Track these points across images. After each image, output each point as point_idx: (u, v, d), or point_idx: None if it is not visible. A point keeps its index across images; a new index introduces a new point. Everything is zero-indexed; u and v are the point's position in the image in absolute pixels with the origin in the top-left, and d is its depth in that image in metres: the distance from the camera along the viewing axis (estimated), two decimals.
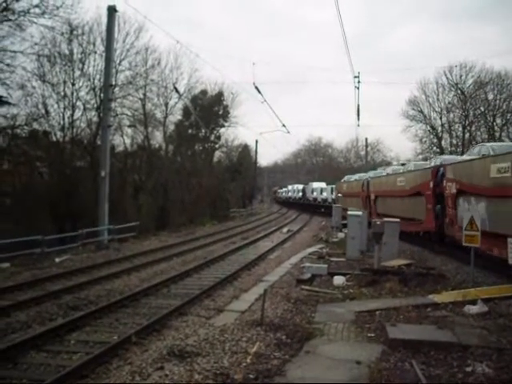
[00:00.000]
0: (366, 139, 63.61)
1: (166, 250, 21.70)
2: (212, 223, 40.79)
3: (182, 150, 47.63)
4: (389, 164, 55.41)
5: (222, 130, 56.35)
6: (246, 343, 7.90)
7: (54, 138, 32.36)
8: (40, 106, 31.04)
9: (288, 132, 34.03)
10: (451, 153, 48.18)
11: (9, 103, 27.25)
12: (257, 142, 68.17)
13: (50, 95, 31.75)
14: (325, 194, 56.66)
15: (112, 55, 25.78)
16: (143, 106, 39.78)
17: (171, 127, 45.98)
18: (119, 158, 37.02)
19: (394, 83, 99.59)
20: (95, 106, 33.32)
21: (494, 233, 12.92)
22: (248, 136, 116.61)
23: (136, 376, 6.69)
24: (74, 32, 31.43)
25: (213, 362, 7.03)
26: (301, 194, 71.42)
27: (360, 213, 19.23)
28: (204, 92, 51.34)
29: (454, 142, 55.02)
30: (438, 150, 54.14)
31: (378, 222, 15.39)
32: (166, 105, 43.60)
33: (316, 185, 62.98)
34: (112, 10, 23.73)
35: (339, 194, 41.27)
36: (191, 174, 45.12)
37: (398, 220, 17.33)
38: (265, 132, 79.45)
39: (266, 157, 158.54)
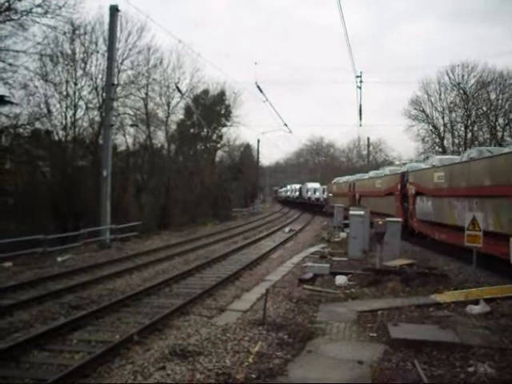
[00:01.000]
0: (368, 139, 63.69)
1: (167, 249, 21.73)
2: (214, 223, 40.77)
3: (184, 150, 47.61)
4: (391, 163, 55.51)
5: (224, 129, 56.32)
6: (248, 343, 7.91)
7: (57, 138, 32.35)
8: (42, 106, 30.97)
9: (290, 131, 34.22)
10: (453, 152, 48.13)
11: (11, 102, 27.24)
12: (259, 141, 68.27)
13: (52, 95, 31.72)
14: (317, 193, 59.78)
15: (114, 55, 25.80)
16: (145, 105, 39.72)
17: (173, 126, 45.93)
18: (121, 157, 36.97)
19: (396, 83, 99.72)
20: (97, 105, 33.26)
21: (438, 222, 18.03)
22: (250, 135, 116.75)
23: (138, 375, 6.71)
24: (77, 31, 31.33)
25: (215, 361, 7.04)
26: (298, 193, 73.83)
27: (362, 212, 19.22)
28: (206, 91, 51.29)
29: (457, 141, 54.99)
30: (440, 149, 54.08)
31: (380, 222, 15.37)
32: (168, 104, 43.56)
33: (310, 185, 65.88)
34: (114, 10, 23.77)
35: (330, 194, 47.23)
36: (193, 173, 45.11)
37: (399, 220, 17.60)
38: (267, 131, 79.69)
39: (268, 156, 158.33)
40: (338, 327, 8.77)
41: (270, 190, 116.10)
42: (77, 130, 33.15)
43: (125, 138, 39.28)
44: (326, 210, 44.69)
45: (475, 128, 53.69)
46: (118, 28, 28.89)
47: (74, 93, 32.43)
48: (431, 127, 56.15)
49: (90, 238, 21.94)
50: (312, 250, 20.63)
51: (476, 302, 9.83)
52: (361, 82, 27.83)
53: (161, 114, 43.26)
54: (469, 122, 53.11)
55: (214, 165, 53.77)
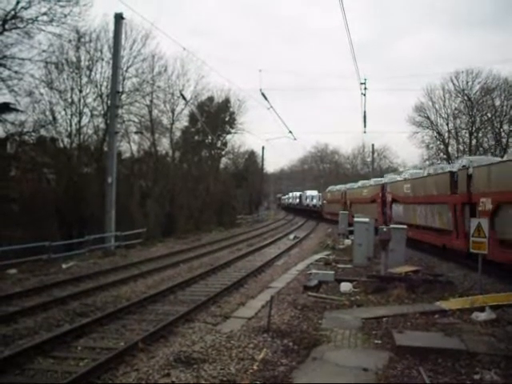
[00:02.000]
0: (373, 145, 63.72)
1: (172, 256, 21.72)
2: (218, 230, 40.81)
3: (189, 157, 47.66)
4: (395, 170, 55.49)
5: (229, 136, 56.47)
6: (252, 350, 7.89)
7: (62, 145, 32.46)
8: (47, 113, 31.15)
9: (295, 138, 34.23)
10: (458, 159, 47.99)
11: (17, 110, 27.43)
12: (263, 148, 68.44)
13: (57, 102, 31.89)
14: (315, 200, 63.30)
15: (119, 62, 25.96)
16: (150, 112, 39.88)
17: (178, 134, 46.02)
18: (126, 164, 37.09)
19: (400, 90, 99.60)
20: (102, 112, 33.44)
21: (408, 223, 21.03)
22: (255, 143, 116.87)
23: (142, 382, 6.70)
24: (82, 39, 31.64)
25: (219, 368, 7.02)
26: (298, 200, 76.77)
27: (367, 220, 19.21)
28: (211, 99, 51.40)
29: (461, 148, 54.82)
30: (444, 156, 54.01)
31: (385, 229, 15.36)
32: (173, 111, 43.70)
33: (309, 193, 69.46)
34: (119, 18, 23.93)
35: (324, 201, 53.24)
36: (198, 180, 45.18)
37: (404, 226, 17.66)
38: (272, 139, 79.75)
39: (273, 163, 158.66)
40: (342, 334, 8.74)
41: (274, 197, 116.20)
42: (82, 137, 33.34)
43: (129, 145, 39.48)
44: (322, 215, 52.34)
45: (480, 134, 53.60)
46: (123, 36, 29.24)
47: (79, 100, 32.63)
48: (436, 134, 56.14)
49: (95, 244, 21.97)
50: (317, 257, 20.60)
51: (482, 309, 9.78)
52: (365, 88, 27.79)
53: (165, 121, 43.48)
54: (473, 128, 53.02)
55: (218, 172, 53.82)
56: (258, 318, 10.31)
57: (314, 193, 66.86)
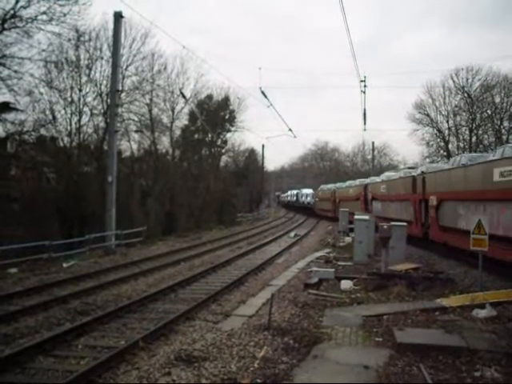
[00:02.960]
0: (373, 143, 63.77)
1: (173, 254, 21.73)
2: (219, 228, 40.80)
3: (189, 155, 47.65)
4: (395, 168, 55.44)
5: (229, 134, 56.40)
6: (253, 348, 7.89)
7: (62, 144, 32.53)
8: (47, 112, 31.20)
9: (295, 136, 34.29)
10: (457, 156, 47.88)
11: (16, 109, 27.48)
12: (263, 146, 68.48)
13: (57, 101, 31.93)
14: (309, 198, 68.08)
15: (118, 61, 25.92)
16: (150, 111, 39.88)
17: (178, 132, 46.01)
18: (126, 163, 37.10)
19: (400, 87, 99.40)
20: (102, 111, 33.46)
21: (384, 216, 25.19)
22: (255, 141, 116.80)
23: (143, 381, 6.70)
24: (81, 38, 31.63)
25: (220, 366, 7.02)
26: (295, 198, 79.30)
27: (367, 217, 19.22)
28: (210, 97, 51.36)
29: (461, 145, 54.80)
30: (445, 153, 53.95)
31: (386, 226, 15.33)
32: (173, 110, 43.69)
33: (304, 191, 72.79)
34: (118, 16, 23.88)
35: (317, 199, 59.44)
36: (198, 178, 45.17)
37: (405, 224, 17.65)
38: (271, 136, 79.83)
39: (273, 161, 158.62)
40: (343, 332, 8.74)
41: (274, 194, 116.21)
42: (82, 136, 33.38)
43: (129, 144, 39.52)
44: (316, 211, 58.17)
45: (480, 131, 53.50)
46: (123, 34, 29.20)
47: (79, 99, 32.67)
48: (436, 131, 56.11)
49: (96, 243, 21.98)
50: (317, 254, 20.59)
51: (482, 306, 9.77)
52: (365, 86, 27.66)
53: (165, 119, 43.48)
54: (473, 125, 52.95)
55: (218, 170, 53.79)
56: (259, 315, 10.31)
57: (309, 191, 70.42)
